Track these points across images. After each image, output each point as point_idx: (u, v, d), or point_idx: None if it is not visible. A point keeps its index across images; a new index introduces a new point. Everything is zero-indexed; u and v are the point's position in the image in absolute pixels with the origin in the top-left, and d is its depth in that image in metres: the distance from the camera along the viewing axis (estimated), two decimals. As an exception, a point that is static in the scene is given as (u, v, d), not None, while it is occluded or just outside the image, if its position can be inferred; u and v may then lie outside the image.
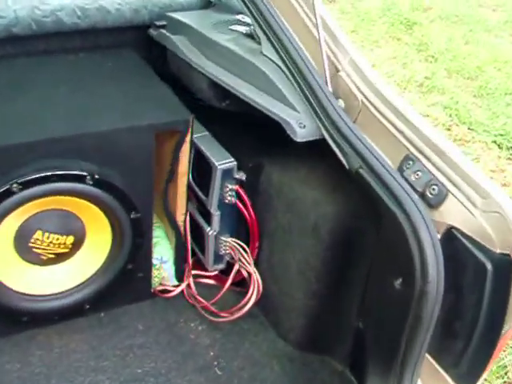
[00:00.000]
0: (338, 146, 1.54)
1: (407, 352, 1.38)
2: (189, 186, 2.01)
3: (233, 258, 2.07)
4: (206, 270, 2.14)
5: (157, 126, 1.81)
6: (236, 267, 2.04)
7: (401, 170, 1.48)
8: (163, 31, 2.17)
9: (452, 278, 1.33)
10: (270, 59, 1.76)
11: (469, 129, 4.20)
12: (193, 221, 2.09)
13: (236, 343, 2.00)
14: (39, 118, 1.76)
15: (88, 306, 1.96)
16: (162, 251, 2.11)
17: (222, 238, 2.05)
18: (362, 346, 1.66)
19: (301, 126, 1.61)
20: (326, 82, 1.64)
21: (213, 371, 1.90)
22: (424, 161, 1.44)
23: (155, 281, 2.10)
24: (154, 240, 2.04)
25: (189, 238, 2.08)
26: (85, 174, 1.73)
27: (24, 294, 1.85)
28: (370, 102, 1.58)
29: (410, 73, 4.83)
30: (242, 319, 2.03)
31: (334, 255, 1.79)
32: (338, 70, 1.67)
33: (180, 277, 2.14)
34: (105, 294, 1.96)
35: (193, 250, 2.13)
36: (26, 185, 1.67)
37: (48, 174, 1.69)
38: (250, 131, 2.02)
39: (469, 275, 1.35)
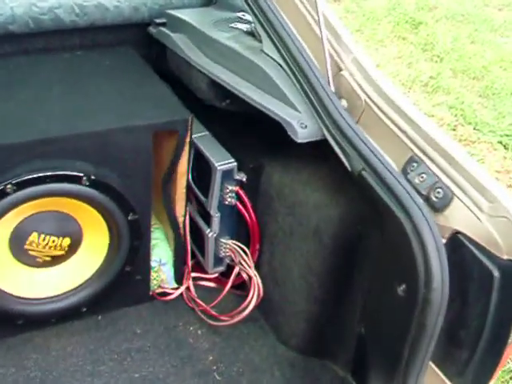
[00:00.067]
0: (341, 147, 1.51)
1: (410, 360, 1.35)
2: (188, 187, 1.99)
3: (233, 261, 2.04)
4: (206, 273, 2.12)
5: (155, 125, 1.79)
6: (236, 270, 2.02)
7: (405, 172, 1.45)
8: (163, 29, 2.15)
9: (457, 285, 1.30)
10: (271, 57, 1.73)
11: (474, 129, 4.16)
12: (192, 222, 2.07)
13: (236, 348, 1.97)
14: (34, 118, 1.73)
15: (85, 309, 1.94)
16: (161, 253, 2.09)
17: (222, 240, 2.03)
18: (364, 352, 1.63)
19: (302, 127, 1.58)
20: (329, 82, 1.61)
21: (212, 376, 1.88)
22: (429, 163, 1.41)
23: (154, 283, 2.08)
24: (153, 242, 2.02)
25: (188, 239, 2.06)
26: (81, 174, 1.70)
27: (19, 297, 1.83)
28: (373, 101, 1.54)
29: (415, 72, 4.80)
30: (242, 323, 2.00)
31: (336, 259, 1.77)
32: (340, 69, 1.64)
33: (179, 279, 2.11)
34: (102, 297, 1.94)
35: (192, 252, 2.11)
36: (21, 186, 1.65)
37: (43, 174, 1.66)
38: (250, 131, 2.00)
39: (475, 282, 1.31)
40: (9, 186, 1.63)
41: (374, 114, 1.54)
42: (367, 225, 1.64)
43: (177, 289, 2.10)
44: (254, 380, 1.88)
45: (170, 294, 2.09)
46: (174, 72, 2.11)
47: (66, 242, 1.83)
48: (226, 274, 2.09)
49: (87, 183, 1.71)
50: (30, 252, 1.80)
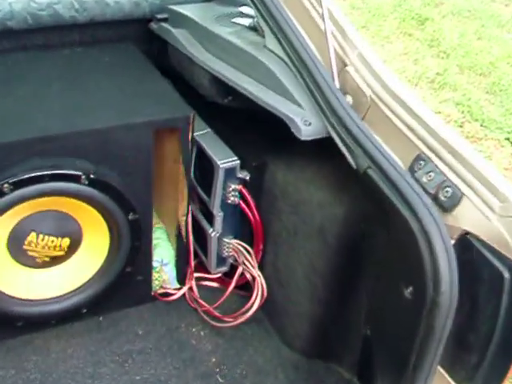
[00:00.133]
0: (346, 144, 1.48)
1: (418, 364, 1.32)
2: (190, 186, 1.95)
3: (236, 261, 2.03)
4: (209, 273, 2.10)
5: (155, 122, 1.77)
6: (239, 270, 2.00)
7: (412, 170, 1.41)
8: (164, 25, 2.13)
9: (467, 287, 1.26)
10: (274, 53, 1.71)
11: (481, 126, 4.14)
12: (195, 222, 2.04)
13: (239, 349, 1.96)
14: (32, 115, 1.71)
15: (85, 310, 1.92)
16: (163, 253, 2.07)
17: (225, 239, 2.01)
18: (370, 354, 1.60)
19: (306, 124, 1.55)
20: (333, 77, 1.58)
21: (214, 379, 1.86)
22: (437, 161, 1.37)
23: (156, 284, 2.06)
24: (155, 242, 2.00)
25: (191, 239, 2.03)
26: (79, 173, 1.68)
27: (18, 299, 1.81)
28: (379, 98, 1.52)
29: (421, 69, 4.76)
30: (245, 324, 1.98)
31: (340, 259, 1.74)
32: (345, 65, 1.61)
33: (181, 280, 2.09)
34: (103, 298, 1.92)
35: (195, 252, 2.09)
36: (18, 185, 1.62)
37: (41, 173, 1.64)
38: (253, 128, 1.97)
39: (484, 284, 1.28)
40: (5, 185, 1.60)
41: (379, 111, 1.51)
42: (372, 224, 1.61)
43: (179, 289, 2.08)
44: (258, 382, 1.86)
45: (172, 294, 2.07)
46: (176, 68, 2.09)
47: (66, 242, 1.81)
48: (229, 275, 2.07)
49: (86, 182, 1.69)
50: (29, 252, 1.78)
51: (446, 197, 1.34)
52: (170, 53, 2.11)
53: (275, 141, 1.90)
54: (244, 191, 1.93)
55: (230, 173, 1.89)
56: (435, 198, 1.35)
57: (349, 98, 1.59)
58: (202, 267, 2.12)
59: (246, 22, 1.93)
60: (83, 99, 1.82)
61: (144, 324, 2.00)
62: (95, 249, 1.86)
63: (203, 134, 1.97)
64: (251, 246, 1.99)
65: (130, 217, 1.80)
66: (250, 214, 1.96)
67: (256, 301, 1.92)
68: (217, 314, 2.01)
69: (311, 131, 1.55)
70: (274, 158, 1.91)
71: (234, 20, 1.96)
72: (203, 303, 2.03)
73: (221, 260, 2.05)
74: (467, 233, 1.30)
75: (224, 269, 2.08)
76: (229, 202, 1.94)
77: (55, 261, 1.84)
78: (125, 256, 1.86)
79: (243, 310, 1.94)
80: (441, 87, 4.54)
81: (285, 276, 1.92)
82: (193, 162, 1.93)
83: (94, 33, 2.16)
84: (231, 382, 1.85)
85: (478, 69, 4.82)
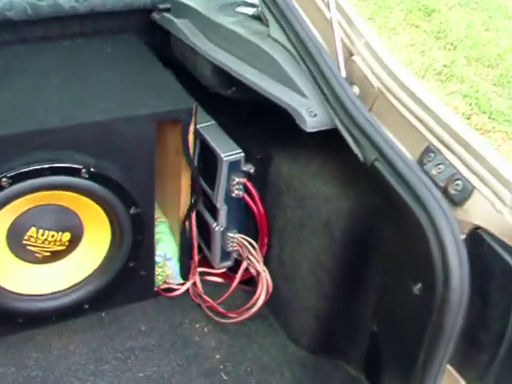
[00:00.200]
0: (352, 136, 1.45)
1: (427, 362, 1.29)
2: (194, 179, 1.94)
3: (241, 256, 2.01)
4: (213, 268, 2.08)
5: (157, 114, 1.75)
6: (244, 265, 1.99)
7: (421, 163, 1.38)
8: (166, 15, 2.11)
9: (478, 284, 1.23)
10: (278, 42, 1.68)
11: (489, 118, 4.12)
12: (198, 216, 2.03)
13: (244, 346, 1.94)
14: (31, 107, 1.70)
15: (87, 306, 1.91)
16: (166, 248, 2.05)
17: (229, 233, 1.99)
18: (377, 351, 1.57)
19: (311, 115, 1.53)
20: (339, 67, 1.54)
21: (219, 376, 1.85)
22: (447, 153, 1.34)
23: (159, 279, 2.05)
24: (157, 236, 1.99)
25: (194, 233, 2.02)
26: (80, 166, 1.66)
27: (18, 294, 1.80)
28: (387, 88, 1.49)
29: (428, 61, 4.74)
30: (250, 320, 1.97)
31: (347, 254, 1.72)
32: (351, 54, 1.58)
33: (185, 275, 2.08)
34: (105, 294, 1.90)
35: (199, 247, 2.07)
36: (16, 179, 1.61)
37: (40, 167, 1.62)
38: (258, 120, 1.95)
39: (496, 280, 1.25)
40: (4, 179, 1.59)
41: (387, 102, 1.48)
42: (380, 218, 1.59)
43: (182, 284, 2.06)
44: (263, 380, 1.84)
45: (175, 289, 2.06)
46: (178, 59, 2.07)
47: (66, 236, 1.80)
48: (233, 269, 2.06)
49: (87, 176, 1.67)
50: (29, 247, 1.77)
51: (456, 190, 1.31)
52: (173, 43, 2.09)
53: (280, 133, 1.88)
54: (248, 184, 1.92)
55: (234, 166, 1.87)
56: (445, 192, 1.32)
57: (355, 89, 1.56)
58: (205, 262, 2.11)
59: (250, 11, 1.90)
60: (84, 91, 1.80)
61: (147, 320, 1.98)
62: (96, 243, 1.84)
63: (207, 126, 1.95)
64: (256, 240, 1.97)
65: (132, 211, 1.78)
66: (254, 207, 1.95)
67: (261, 296, 1.91)
68: (221, 309, 1.99)
69: (317, 122, 1.53)
70: (279, 151, 1.90)
71: (237, 9, 1.93)
72: (207, 299, 2.02)
73: (225, 255, 2.03)
74: (478, 227, 1.28)
75: (228, 263, 2.06)
76: (233, 195, 1.92)
77: (56, 256, 1.82)
78: (127, 251, 1.85)
79: (248, 305, 1.93)
80: (448, 79, 4.53)
81: (290, 271, 1.91)
82: (196, 154, 1.91)
83: (94, 24, 2.14)
84: (236, 379, 1.84)
85: (485, 60, 4.80)
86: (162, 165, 1.88)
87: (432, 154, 1.37)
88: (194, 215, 1.99)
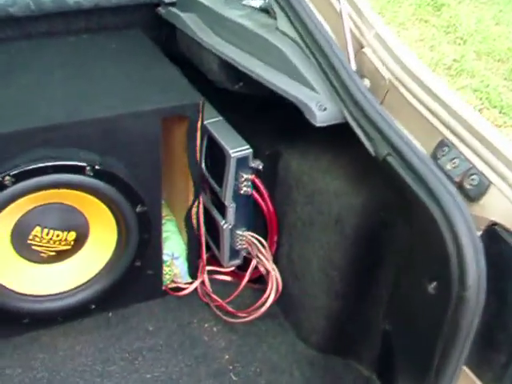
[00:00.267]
0: (363, 130, 1.43)
1: (442, 364, 1.26)
2: (201, 176, 1.94)
3: (250, 254, 2.00)
4: (222, 267, 2.09)
5: (163, 110, 1.73)
6: (253, 263, 1.98)
7: (435, 157, 1.35)
8: (172, 9, 2.09)
9: (495, 282, 1.20)
10: (287, 35, 1.66)
11: (500, 113, 4.10)
12: (207, 213, 2.02)
13: (253, 346, 1.93)
14: (35, 104, 1.69)
15: (94, 306, 1.90)
16: (174, 246, 2.04)
17: (238, 231, 1.98)
18: (390, 351, 1.55)
19: (321, 109, 1.50)
20: (349, 60, 1.52)
21: (228, 376, 1.84)
22: (462, 147, 1.31)
23: (166, 278, 2.04)
24: (165, 234, 1.98)
25: (203, 231, 2.01)
26: (84, 164, 1.65)
27: (23, 295, 1.80)
28: (398, 80, 1.46)
29: (438, 55, 4.74)
30: (259, 320, 1.96)
31: (358, 251, 1.71)
32: (362, 46, 1.55)
33: (193, 273, 2.07)
34: (112, 294, 1.90)
35: (207, 245, 2.08)
36: (20, 177, 1.60)
37: (43, 165, 1.61)
38: (266, 115, 1.95)
39: (514, 278, 1.23)
40: (7, 177, 1.58)
41: (399, 94, 1.46)
42: (392, 215, 1.57)
43: (191, 283, 2.06)
44: (273, 380, 1.84)
45: (183, 289, 2.05)
46: (185, 54, 2.06)
47: (72, 236, 1.79)
48: (242, 268, 2.06)
49: (91, 173, 1.66)
50: (34, 247, 1.76)
51: (472, 185, 1.28)
52: (179, 38, 2.07)
53: (289, 128, 1.87)
54: (257, 181, 1.91)
55: (242, 162, 1.85)
56: (460, 187, 1.29)
57: (366, 82, 1.54)
58: (214, 260, 2.10)
59: (257, 3, 1.88)
60: (88, 87, 1.79)
61: (155, 320, 1.98)
62: (102, 242, 1.83)
63: (214, 122, 1.95)
64: (265, 238, 1.97)
65: (138, 209, 1.77)
66: (263, 204, 1.94)
67: (270, 295, 1.90)
68: (230, 309, 1.99)
69: (326, 116, 1.50)
70: (288, 147, 1.88)
71: (243, 2, 1.91)
72: (216, 298, 2.01)
73: (234, 253, 2.03)
74: (495, 223, 1.24)
75: (237, 262, 2.06)
76: (241, 192, 1.90)
77: (61, 255, 1.81)
78: (133, 250, 1.84)
79: (257, 304, 1.92)
80: (458, 74, 4.51)
81: (300, 269, 1.89)
82: (203, 151, 1.90)
83: (100, 19, 2.12)
84: (245, 379, 1.83)
85: (496, 55, 4.78)
86: (169, 162, 1.87)
87: (446, 148, 1.34)
88: (201, 213, 1.98)
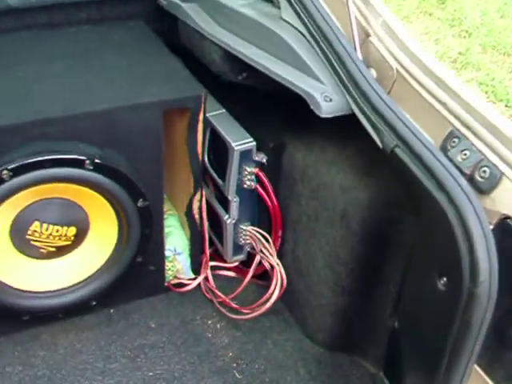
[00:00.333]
0: (370, 121, 1.40)
1: (452, 362, 1.24)
2: (204, 170, 1.92)
3: (254, 249, 1.99)
4: (225, 262, 2.07)
5: (165, 102, 1.72)
6: (257, 259, 1.97)
7: (444, 149, 1.33)
8: (174, 0, 2.06)
9: (507, 278, 1.17)
10: (291, 24, 1.63)
11: (506, 106, 4.10)
12: (209, 208, 2.01)
13: (257, 343, 1.92)
14: (33, 96, 1.67)
15: (95, 303, 1.89)
16: (176, 242, 2.02)
17: (242, 226, 1.97)
18: (398, 348, 1.53)
19: (326, 100, 1.48)
20: (355, 49, 1.50)
21: (231, 374, 1.82)
22: (472, 138, 1.29)
23: (169, 274, 2.02)
24: (167, 230, 1.97)
25: (206, 226, 2.00)
26: (83, 158, 1.63)
27: (23, 291, 1.79)
28: (406, 70, 1.44)
29: (442, 49, 4.75)
30: (264, 316, 1.94)
31: (365, 247, 1.69)
32: (368, 35, 1.54)
33: (196, 269, 2.06)
34: (113, 290, 1.88)
35: (210, 240, 2.06)
36: (17, 171, 1.58)
37: (42, 158, 1.59)
38: (270, 107, 1.92)
39: (528, 273, 1.21)
40: (4, 171, 1.56)
41: (407, 84, 1.44)
42: (401, 209, 1.55)
43: (194, 279, 2.04)
44: (277, 378, 1.82)
45: (186, 284, 2.04)
46: (187, 46, 2.04)
47: (72, 231, 1.77)
48: (246, 263, 2.04)
49: (91, 167, 1.64)
50: (33, 242, 1.75)
51: (483, 178, 1.26)
52: (181, 29, 2.05)
53: (294, 120, 1.86)
54: (261, 175, 1.88)
55: (245, 155, 1.84)
56: (471, 179, 1.28)
57: (373, 72, 1.53)
58: (217, 256, 2.09)
59: (260, -8, 1.88)
60: (88, 79, 1.77)
61: (157, 316, 1.96)
62: (103, 238, 1.81)
63: (217, 115, 1.93)
64: (269, 233, 1.95)
65: (140, 204, 1.75)
66: (267, 199, 1.92)
67: (275, 291, 1.89)
68: (234, 305, 1.97)
69: (332, 108, 1.48)
70: (293, 139, 1.86)
71: (247, -9, 1.91)
72: (219, 294, 2.00)
73: (237, 248, 2.01)
74: (507, 217, 1.23)
75: (241, 257, 2.04)
76: (245, 186, 1.89)
77: (61, 251, 1.80)
78: (135, 245, 1.82)
79: (261, 300, 1.91)
80: (463, 67, 4.51)
81: (305, 265, 1.88)
82: (206, 144, 1.88)
83: (101, 11, 2.11)
84: (249, 377, 1.81)
85: (501, 48, 4.77)
86: (171, 155, 1.85)
87: (456, 140, 1.32)
88: (204, 207, 1.96)
